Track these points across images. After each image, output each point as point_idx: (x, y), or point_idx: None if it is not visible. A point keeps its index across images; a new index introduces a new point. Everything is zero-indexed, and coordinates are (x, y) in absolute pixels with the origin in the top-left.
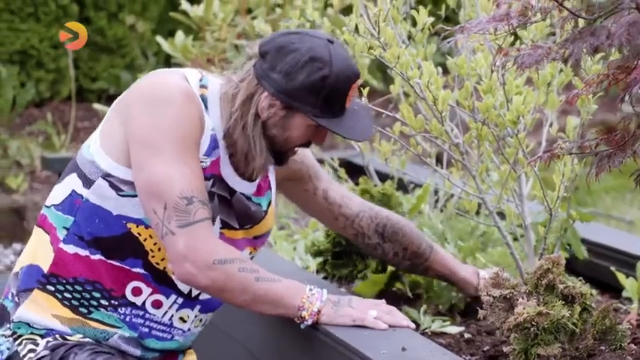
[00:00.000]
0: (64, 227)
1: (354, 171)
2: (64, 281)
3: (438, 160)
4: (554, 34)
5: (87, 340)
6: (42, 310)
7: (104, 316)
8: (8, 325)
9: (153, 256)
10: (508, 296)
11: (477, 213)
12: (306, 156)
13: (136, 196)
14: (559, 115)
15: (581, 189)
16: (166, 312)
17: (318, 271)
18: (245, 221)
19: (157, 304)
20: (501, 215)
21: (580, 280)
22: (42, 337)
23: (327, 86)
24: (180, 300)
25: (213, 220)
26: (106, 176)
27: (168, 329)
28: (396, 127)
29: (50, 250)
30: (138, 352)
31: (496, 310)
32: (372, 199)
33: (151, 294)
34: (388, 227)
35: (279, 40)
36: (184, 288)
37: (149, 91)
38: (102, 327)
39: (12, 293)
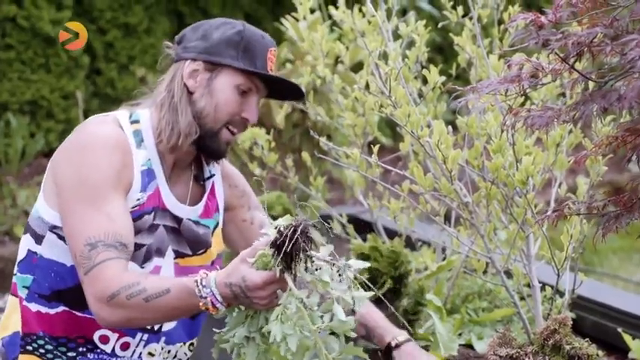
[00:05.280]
0: (24, 286)
1: (362, 227)
2: (35, 337)
3: (446, 218)
4: (564, 94)
5: None
6: None
7: None
8: None
9: None
10: (514, 356)
11: (485, 272)
12: (245, 185)
13: None
14: (567, 174)
15: (588, 249)
16: (134, 350)
17: None
18: (197, 247)
19: (125, 346)
20: (508, 274)
21: (587, 341)
22: None
23: (244, 39)
24: (145, 336)
25: (163, 253)
26: (53, 228)
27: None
28: (405, 186)
29: (19, 311)
30: None
31: None
32: (380, 256)
33: (118, 339)
34: None
35: (193, 25)
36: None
37: (70, 143)
38: None
39: None
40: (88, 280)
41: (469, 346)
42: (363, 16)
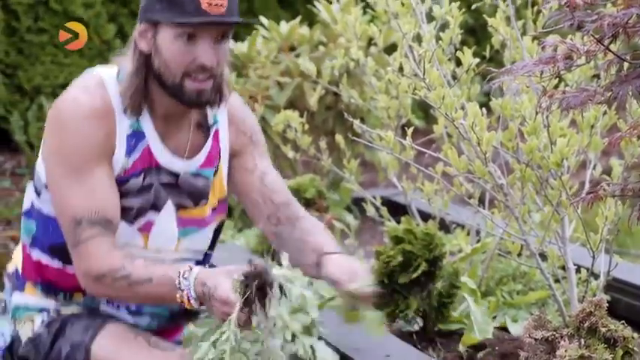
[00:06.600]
0: (30, 234)
1: (396, 210)
2: (33, 282)
3: (481, 200)
4: (597, 76)
5: (81, 311)
6: (35, 293)
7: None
8: (9, 315)
9: None
10: (550, 338)
11: (519, 254)
12: (255, 132)
13: None
14: (601, 156)
15: (623, 231)
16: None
17: None
18: (198, 198)
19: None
20: (543, 257)
21: (622, 324)
22: (38, 316)
23: None
24: None
25: (159, 208)
26: (47, 187)
27: (137, 307)
28: (439, 168)
29: (21, 254)
30: (129, 319)
31: (537, 352)
32: (415, 238)
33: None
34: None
35: None
36: None
37: (53, 113)
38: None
39: (9, 289)
40: (75, 254)
41: (504, 328)
42: None
